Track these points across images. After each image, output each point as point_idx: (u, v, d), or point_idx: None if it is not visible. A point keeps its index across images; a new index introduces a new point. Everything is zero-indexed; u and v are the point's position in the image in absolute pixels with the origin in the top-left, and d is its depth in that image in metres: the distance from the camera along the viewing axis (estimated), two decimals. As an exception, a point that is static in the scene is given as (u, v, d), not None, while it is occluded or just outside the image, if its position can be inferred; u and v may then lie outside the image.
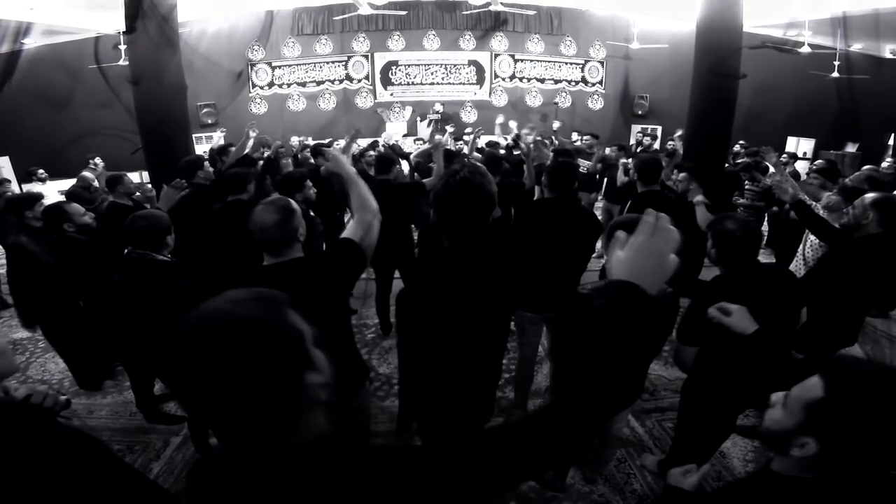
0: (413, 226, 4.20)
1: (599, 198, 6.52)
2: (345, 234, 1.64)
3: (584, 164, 5.50)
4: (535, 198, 3.46)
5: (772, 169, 3.69)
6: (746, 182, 4.90)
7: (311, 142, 7.83)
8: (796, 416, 0.87)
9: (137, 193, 4.02)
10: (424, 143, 6.50)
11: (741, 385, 1.79)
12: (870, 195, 2.35)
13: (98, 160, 6.89)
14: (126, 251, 2.16)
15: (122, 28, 4.36)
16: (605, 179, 6.15)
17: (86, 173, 5.25)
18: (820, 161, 4.65)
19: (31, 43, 7.96)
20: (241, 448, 0.68)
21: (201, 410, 0.67)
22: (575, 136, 8.44)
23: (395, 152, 5.46)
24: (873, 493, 0.83)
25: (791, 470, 0.89)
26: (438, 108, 10.12)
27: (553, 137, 7.11)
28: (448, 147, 5.13)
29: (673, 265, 0.77)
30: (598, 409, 0.73)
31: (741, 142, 7.97)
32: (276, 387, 0.65)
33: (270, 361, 0.65)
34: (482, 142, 6.31)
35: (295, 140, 8.13)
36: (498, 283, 1.46)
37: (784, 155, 7.80)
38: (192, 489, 0.73)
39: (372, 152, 5.46)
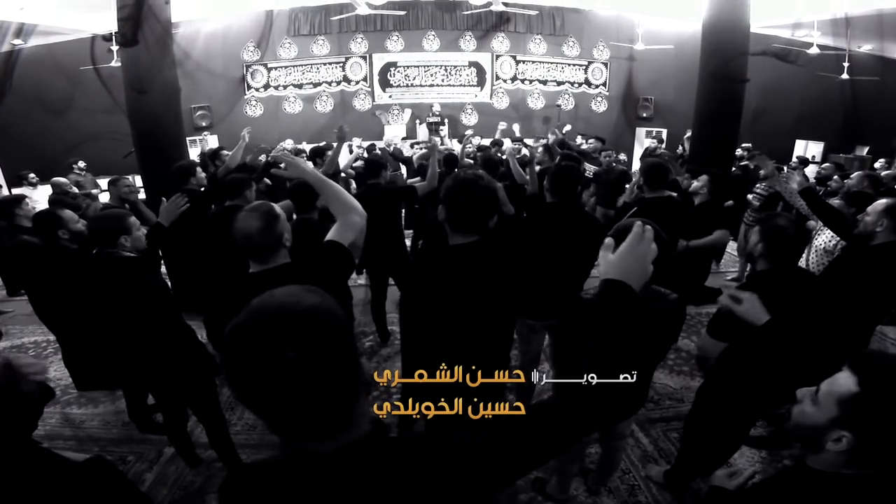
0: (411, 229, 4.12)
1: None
2: (329, 237, 1.59)
3: (589, 168, 5.41)
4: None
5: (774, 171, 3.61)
6: (756, 186, 4.79)
7: (305, 146, 7.72)
8: (830, 410, 0.88)
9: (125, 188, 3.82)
10: (422, 145, 6.43)
11: (762, 388, 1.77)
12: (882, 202, 2.30)
13: (81, 163, 6.81)
14: (94, 252, 2.11)
15: (116, 31, 4.28)
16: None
17: (58, 178, 5.12)
18: (827, 164, 4.57)
19: (23, 44, 7.91)
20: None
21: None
22: (580, 139, 8.33)
23: (395, 157, 5.38)
24: None
25: (831, 466, 0.90)
26: (437, 108, 10.04)
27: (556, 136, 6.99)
28: (451, 150, 5.05)
29: (650, 271, 0.88)
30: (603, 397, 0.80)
31: (744, 144, 7.88)
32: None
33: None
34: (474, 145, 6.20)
35: (289, 143, 8.04)
36: (501, 281, 1.50)
37: (794, 160, 7.73)
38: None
39: (359, 161, 5.37)
